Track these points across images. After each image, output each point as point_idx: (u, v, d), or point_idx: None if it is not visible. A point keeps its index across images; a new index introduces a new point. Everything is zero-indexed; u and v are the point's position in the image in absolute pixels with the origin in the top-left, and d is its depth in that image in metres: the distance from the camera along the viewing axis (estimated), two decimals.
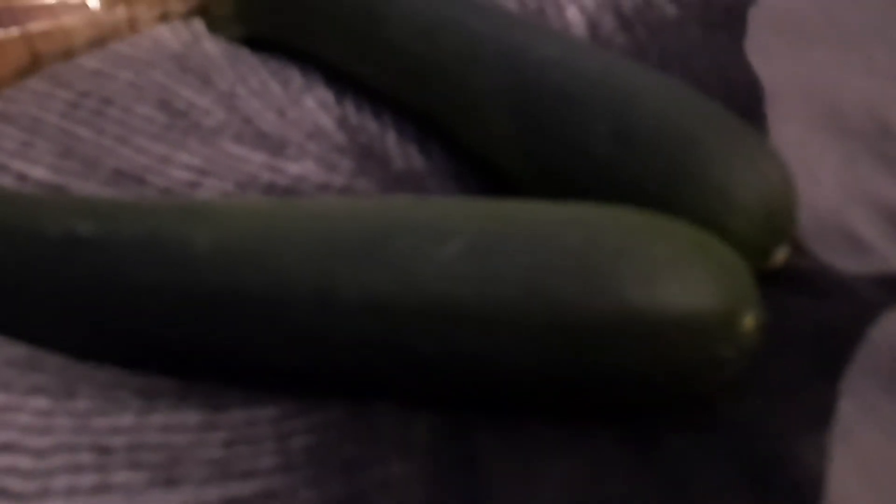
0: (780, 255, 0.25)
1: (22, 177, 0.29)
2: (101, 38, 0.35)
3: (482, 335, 0.21)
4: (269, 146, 0.31)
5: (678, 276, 0.21)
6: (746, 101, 0.31)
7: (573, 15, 0.36)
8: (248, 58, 0.35)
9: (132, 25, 0.36)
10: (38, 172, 0.29)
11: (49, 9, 0.34)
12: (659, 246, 0.21)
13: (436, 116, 0.32)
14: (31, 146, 0.30)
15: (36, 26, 0.33)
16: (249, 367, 0.23)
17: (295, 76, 0.34)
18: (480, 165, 0.30)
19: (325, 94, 0.33)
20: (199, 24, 0.37)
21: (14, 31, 0.33)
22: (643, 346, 0.21)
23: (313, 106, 0.33)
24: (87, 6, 0.34)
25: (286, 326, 0.22)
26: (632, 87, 0.26)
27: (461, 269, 0.21)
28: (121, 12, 0.35)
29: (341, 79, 0.34)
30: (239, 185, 0.29)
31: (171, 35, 0.35)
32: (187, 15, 0.37)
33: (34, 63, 0.34)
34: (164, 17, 0.37)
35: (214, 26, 0.37)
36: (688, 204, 0.25)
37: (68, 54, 0.35)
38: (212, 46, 0.35)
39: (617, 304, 0.20)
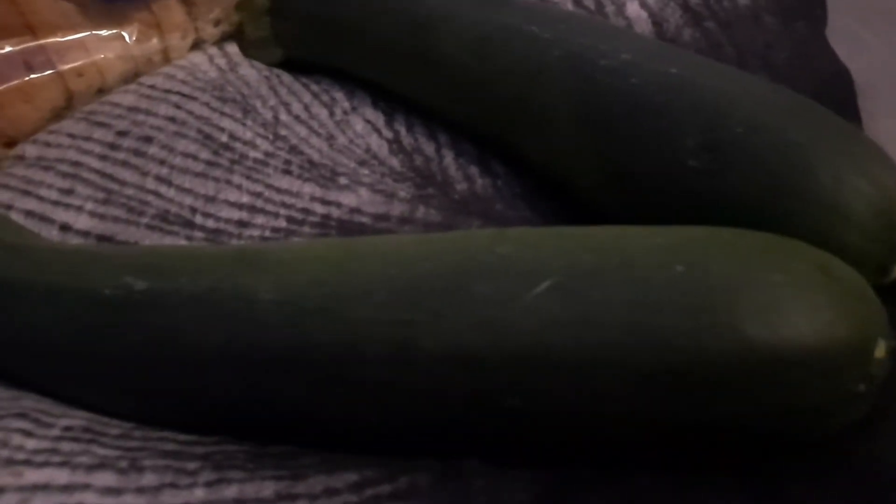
0: None
1: (66, 228, 0.27)
2: (134, 72, 0.34)
3: (580, 384, 0.19)
4: (320, 176, 0.29)
5: (802, 305, 0.18)
6: (837, 97, 0.29)
7: (635, 11, 0.33)
8: (288, 81, 0.33)
9: (165, 56, 0.34)
10: (82, 222, 0.27)
11: (80, 44, 0.32)
12: (777, 272, 0.19)
13: (496, 133, 0.29)
14: (72, 193, 0.28)
15: (68, 64, 0.32)
16: (325, 428, 0.21)
17: (340, 98, 0.32)
18: (549, 183, 0.28)
19: (373, 115, 0.31)
20: (234, 49, 0.35)
21: (47, 72, 0.31)
22: (765, 387, 0.18)
23: (362, 129, 0.31)
24: (118, 38, 0.33)
25: (362, 383, 0.20)
26: (719, 91, 0.24)
27: (553, 312, 0.19)
28: (154, 44, 0.33)
29: (389, 97, 0.32)
30: (291, 220, 0.28)
31: (207, 63, 0.34)
32: (221, 40, 0.35)
33: (68, 102, 0.33)
34: (198, 45, 0.35)
35: (250, 50, 0.35)
36: (793, 220, 0.22)
37: (103, 90, 0.33)
38: (250, 72, 0.33)
39: (734, 341, 0.18)
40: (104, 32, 0.32)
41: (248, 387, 0.21)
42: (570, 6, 0.34)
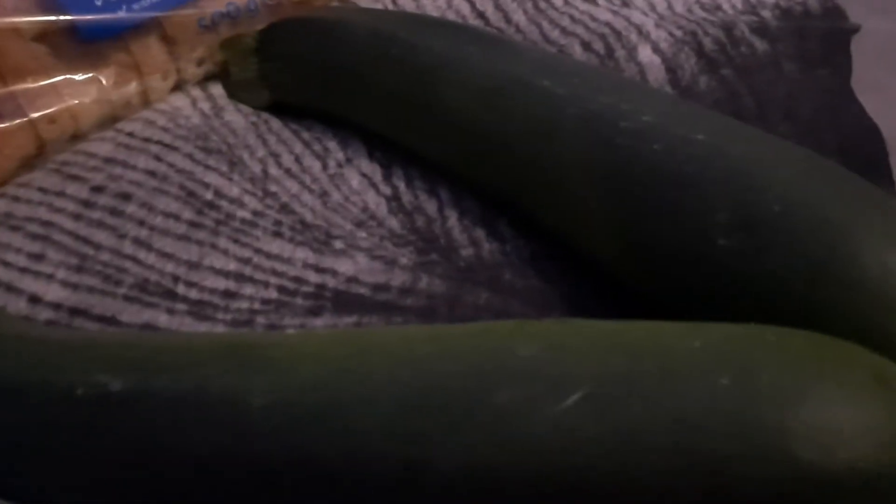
0: None
1: (35, 300, 0.25)
2: (111, 116, 0.31)
3: None
4: (313, 240, 0.27)
5: (859, 424, 0.16)
6: (866, 154, 0.27)
7: (647, 57, 0.31)
8: (277, 128, 0.31)
9: (145, 98, 0.32)
10: (53, 293, 0.25)
11: (53, 89, 0.30)
12: (831, 384, 0.17)
13: (503, 191, 0.27)
14: (43, 259, 0.26)
15: (39, 111, 0.29)
16: None
17: (333, 148, 0.30)
18: (560, 246, 0.26)
19: (369, 167, 0.29)
20: (218, 91, 0.32)
21: (16, 120, 0.29)
22: None
23: (358, 185, 0.29)
24: (94, 82, 0.30)
25: None
26: (751, 161, 0.22)
27: (585, 430, 0.17)
28: (132, 86, 0.31)
29: (385, 146, 0.30)
30: (282, 291, 0.25)
31: (190, 107, 0.31)
32: (205, 80, 0.33)
33: (40, 150, 0.30)
34: (180, 86, 0.33)
35: (235, 92, 0.32)
36: (836, 309, 0.20)
37: (77, 136, 0.31)
38: (235, 118, 0.31)
39: (787, 468, 0.16)
40: (79, 76, 0.30)
41: (236, 500, 0.19)
42: (578, 49, 0.32)
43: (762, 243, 0.21)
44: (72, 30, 0.29)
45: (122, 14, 0.29)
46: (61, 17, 0.28)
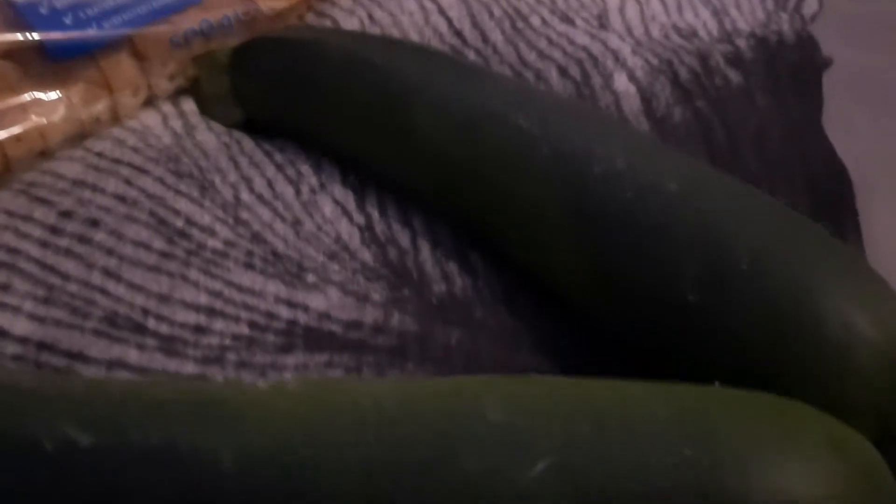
0: None
1: (2, 333, 0.24)
2: (80, 133, 0.31)
3: None
4: (285, 272, 0.27)
5: (818, 495, 0.17)
6: (832, 193, 0.27)
7: (623, 85, 0.31)
8: (249, 149, 0.30)
9: (115, 114, 0.31)
10: (20, 327, 0.24)
11: (20, 107, 0.29)
12: (792, 455, 0.17)
13: (475, 223, 0.27)
14: (9, 290, 0.25)
15: (6, 129, 0.29)
16: None
17: (306, 172, 0.30)
18: (531, 279, 0.26)
19: (343, 194, 0.29)
20: (190, 107, 0.32)
21: None
22: None
23: (331, 213, 0.28)
24: (63, 100, 0.29)
25: None
26: (721, 214, 0.22)
27: (550, 499, 0.17)
28: (102, 103, 0.30)
29: (359, 168, 0.30)
30: (254, 326, 0.25)
31: (161, 126, 0.31)
32: (176, 95, 0.33)
33: (6, 168, 0.29)
34: (151, 100, 0.32)
35: (208, 108, 0.32)
36: (799, 366, 0.21)
37: (45, 153, 0.30)
38: (207, 137, 0.31)
39: None
40: (47, 95, 0.29)
41: None
42: (554, 75, 0.32)
43: (729, 301, 0.21)
44: (40, 48, 0.28)
45: (91, 32, 0.29)
46: (29, 36, 0.28)
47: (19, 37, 0.27)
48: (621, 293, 0.23)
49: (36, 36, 0.28)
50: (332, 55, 0.29)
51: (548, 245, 0.25)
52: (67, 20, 0.28)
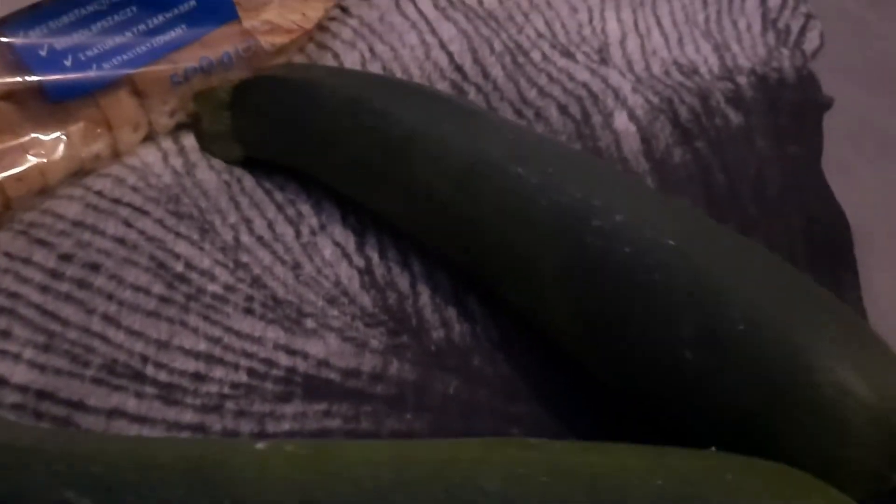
0: None
1: (2, 382, 0.25)
2: (80, 169, 0.31)
3: None
4: (285, 317, 0.27)
5: None
6: (831, 242, 0.27)
7: (623, 124, 0.31)
8: (250, 188, 0.30)
9: (115, 150, 0.31)
10: (20, 375, 0.25)
11: (20, 148, 0.29)
12: None
13: (473, 269, 0.27)
14: (9, 337, 0.25)
15: (6, 171, 0.29)
16: None
17: (307, 213, 0.30)
18: (529, 327, 0.26)
19: (343, 235, 0.29)
20: (190, 143, 0.32)
21: None
22: None
23: (331, 255, 0.28)
24: (62, 140, 0.30)
25: None
26: (718, 271, 0.22)
27: None
28: (102, 141, 0.30)
29: (359, 208, 0.30)
30: (252, 374, 0.25)
31: (161, 163, 0.31)
32: (176, 130, 0.33)
33: (6, 207, 0.30)
34: (151, 136, 0.32)
35: (208, 146, 0.32)
36: (793, 428, 0.21)
37: (45, 191, 0.30)
38: (208, 176, 0.31)
39: None
40: (46, 136, 0.29)
41: None
42: (554, 113, 0.32)
43: (726, 361, 0.21)
44: (39, 90, 0.28)
45: (91, 73, 0.29)
46: (28, 78, 0.28)
47: (18, 79, 0.28)
48: (617, 349, 0.23)
49: (35, 78, 0.28)
50: (331, 97, 0.29)
51: (543, 296, 0.25)
52: (67, 62, 0.28)
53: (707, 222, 0.25)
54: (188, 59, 0.31)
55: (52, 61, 0.28)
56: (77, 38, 0.29)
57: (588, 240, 0.24)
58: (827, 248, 0.27)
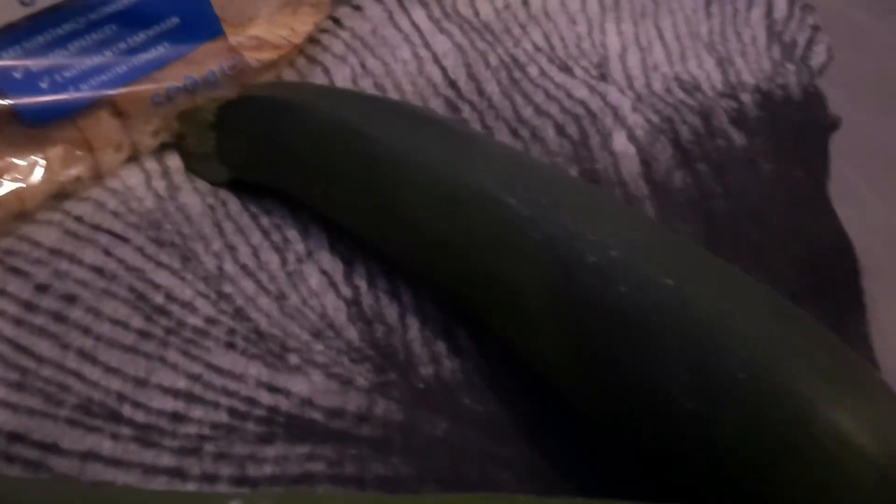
0: None
1: None
2: (60, 192, 0.30)
3: None
4: (268, 352, 0.26)
5: None
6: (837, 273, 0.26)
7: (622, 145, 0.30)
8: (235, 213, 0.29)
9: (96, 172, 0.30)
10: None
11: None
12: None
13: (462, 300, 0.26)
14: None
15: None
16: None
17: (293, 238, 0.29)
18: (520, 361, 0.25)
19: (331, 263, 0.28)
20: (175, 163, 0.31)
21: None
22: None
23: (318, 285, 0.27)
24: (41, 164, 0.29)
25: None
26: (718, 314, 0.21)
27: None
28: (82, 163, 0.29)
29: (347, 234, 0.29)
30: (233, 414, 0.24)
31: (144, 187, 0.30)
32: (160, 149, 0.32)
33: None
34: (134, 156, 0.31)
35: (193, 166, 0.31)
36: (793, 479, 0.20)
37: (23, 214, 0.29)
38: (192, 200, 0.30)
39: None
40: (24, 161, 0.28)
41: None
42: (551, 133, 0.31)
43: (723, 410, 0.20)
44: (14, 114, 0.27)
45: (68, 95, 0.28)
46: (1, 102, 0.27)
47: None
48: (610, 392, 0.22)
49: (9, 101, 0.27)
50: (318, 120, 0.28)
51: (534, 333, 0.24)
52: (43, 84, 0.27)
53: (708, 259, 0.24)
54: (172, 78, 0.30)
55: (28, 84, 0.27)
56: (54, 58, 0.27)
57: (582, 277, 0.23)
58: (832, 281, 0.26)
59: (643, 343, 0.21)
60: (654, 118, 0.31)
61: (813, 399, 0.20)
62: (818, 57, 0.34)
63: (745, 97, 0.32)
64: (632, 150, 0.30)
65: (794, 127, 0.30)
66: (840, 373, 0.20)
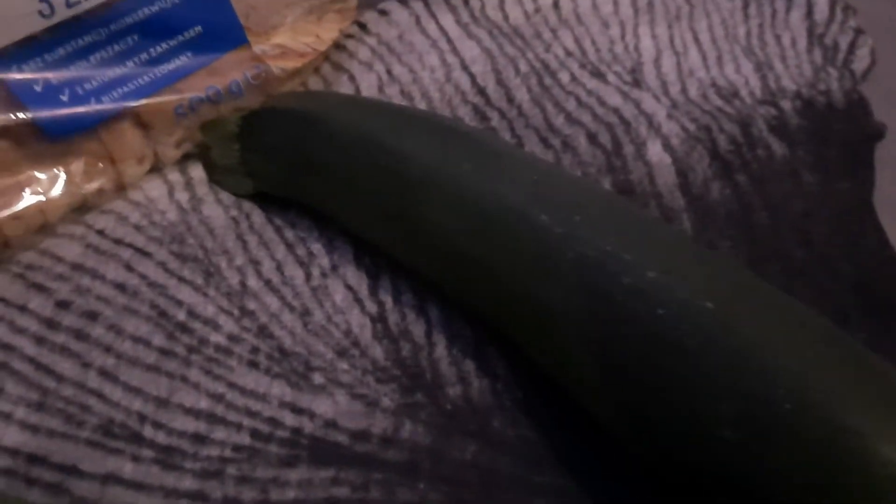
0: None
1: None
2: (82, 204, 0.29)
3: None
4: (292, 371, 0.25)
5: None
6: (886, 294, 0.25)
7: (657, 155, 0.29)
8: (259, 225, 0.29)
9: (119, 184, 0.30)
10: (11, 436, 0.23)
11: (17, 186, 0.28)
12: None
13: (493, 320, 0.25)
14: (2, 394, 0.24)
15: (3, 211, 0.27)
16: None
17: (318, 252, 0.28)
18: (553, 384, 0.25)
19: (356, 277, 0.27)
20: (198, 174, 0.30)
21: None
22: None
23: (342, 300, 0.27)
24: (62, 177, 0.28)
25: None
26: (762, 342, 0.20)
27: None
28: (105, 176, 0.29)
29: (373, 248, 0.28)
30: (256, 435, 0.24)
31: (166, 199, 0.29)
32: (183, 160, 0.31)
33: (5, 246, 0.28)
34: (157, 167, 0.31)
35: (217, 178, 0.30)
36: None
37: (45, 227, 0.29)
38: (215, 212, 0.29)
39: None
40: (45, 174, 0.28)
41: None
42: (583, 142, 0.30)
43: (769, 444, 0.19)
44: (35, 127, 0.27)
45: (90, 107, 0.27)
46: (23, 115, 0.26)
47: (12, 116, 0.26)
48: (647, 421, 0.21)
49: (30, 115, 0.26)
50: (343, 133, 0.27)
51: (567, 356, 0.23)
52: (64, 97, 0.27)
53: (750, 280, 0.22)
54: (195, 88, 0.29)
55: (48, 97, 0.26)
56: (74, 70, 0.27)
57: (618, 299, 0.22)
58: (881, 300, 0.25)
59: (681, 370, 0.20)
60: (691, 126, 0.30)
61: (865, 434, 0.19)
62: (861, 61, 0.32)
63: (786, 104, 0.30)
64: (667, 159, 0.29)
65: (837, 136, 0.29)
66: (893, 406, 0.19)
